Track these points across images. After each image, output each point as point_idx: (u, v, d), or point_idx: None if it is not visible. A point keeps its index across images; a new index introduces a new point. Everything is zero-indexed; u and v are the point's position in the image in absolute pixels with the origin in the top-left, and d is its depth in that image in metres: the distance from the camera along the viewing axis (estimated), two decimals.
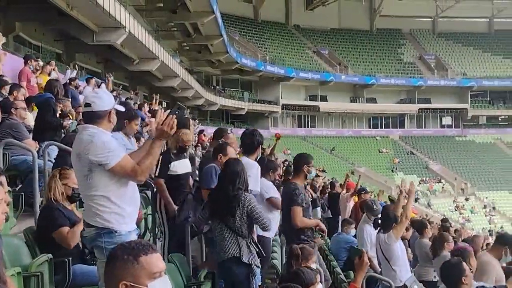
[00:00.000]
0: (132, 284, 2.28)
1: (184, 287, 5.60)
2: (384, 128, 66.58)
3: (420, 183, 55.95)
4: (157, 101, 22.18)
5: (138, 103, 20.81)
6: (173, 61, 36.35)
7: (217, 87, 57.16)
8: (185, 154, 7.25)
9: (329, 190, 15.11)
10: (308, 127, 64.50)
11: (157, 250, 2.41)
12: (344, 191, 13.75)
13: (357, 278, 5.06)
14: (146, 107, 19.36)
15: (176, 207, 6.85)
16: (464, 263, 5.25)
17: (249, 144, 6.79)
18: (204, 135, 21.31)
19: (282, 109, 61.05)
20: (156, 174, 7.00)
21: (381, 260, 7.40)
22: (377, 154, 61.52)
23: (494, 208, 53.68)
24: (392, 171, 58.25)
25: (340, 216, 12.64)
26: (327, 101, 63.60)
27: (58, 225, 5.02)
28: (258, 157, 7.49)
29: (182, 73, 39.11)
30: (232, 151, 6.67)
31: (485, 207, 54.03)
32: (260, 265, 5.78)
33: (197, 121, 34.19)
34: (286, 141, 57.40)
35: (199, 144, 17.84)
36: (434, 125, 67.98)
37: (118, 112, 4.43)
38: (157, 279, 2.34)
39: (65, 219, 5.07)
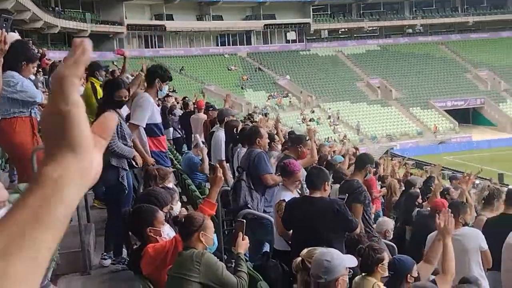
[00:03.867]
0: None
1: None
2: (232, 45, 66.95)
3: (268, 99, 57.52)
4: None
5: None
6: None
7: (56, 8, 53.92)
8: None
9: (183, 110, 15.05)
10: (155, 47, 63.27)
11: None
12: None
13: (212, 193, 5.14)
14: None
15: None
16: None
17: (148, 78, 6.89)
18: (47, 59, 20.20)
19: (127, 29, 59.17)
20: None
21: None
22: (226, 72, 62.02)
23: (338, 118, 56.67)
24: (242, 88, 59.22)
25: (193, 135, 12.65)
26: (173, 20, 62.51)
27: None
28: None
29: None
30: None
31: (329, 117, 56.84)
32: (127, 168, 6.18)
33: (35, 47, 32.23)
34: (134, 63, 55.85)
35: (40, 70, 16.90)
36: (280, 41, 69.35)
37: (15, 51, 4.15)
38: (1, 209, 2.24)
39: None
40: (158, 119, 7.00)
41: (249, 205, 6.70)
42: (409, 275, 4.52)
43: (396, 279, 4.49)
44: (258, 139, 7.13)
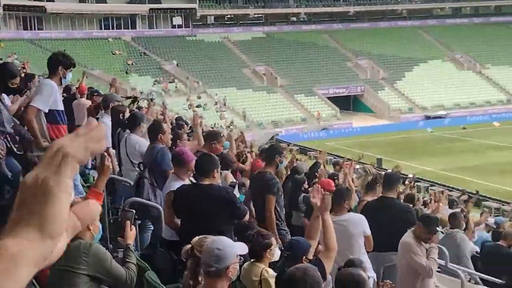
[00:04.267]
0: None
1: None
2: (116, 29, 65.33)
3: (154, 84, 56.76)
4: None
5: None
6: None
7: None
8: None
9: (65, 94, 14.42)
10: (35, 29, 60.54)
11: None
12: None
13: (99, 182, 4.95)
14: None
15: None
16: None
17: (51, 66, 6.45)
18: None
19: (4, 10, 56.25)
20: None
21: None
22: (110, 56, 60.54)
23: (224, 104, 56.88)
24: (126, 72, 58.04)
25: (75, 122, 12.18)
26: (54, 1, 60.09)
27: None
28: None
29: None
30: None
31: (216, 103, 56.93)
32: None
33: None
34: (11, 46, 53.41)
35: None
36: (165, 26, 68.46)
37: None
38: None
39: None
40: (61, 106, 6.68)
41: (153, 201, 6.62)
42: (304, 257, 4.59)
43: (291, 260, 4.50)
44: (160, 134, 7.08)
